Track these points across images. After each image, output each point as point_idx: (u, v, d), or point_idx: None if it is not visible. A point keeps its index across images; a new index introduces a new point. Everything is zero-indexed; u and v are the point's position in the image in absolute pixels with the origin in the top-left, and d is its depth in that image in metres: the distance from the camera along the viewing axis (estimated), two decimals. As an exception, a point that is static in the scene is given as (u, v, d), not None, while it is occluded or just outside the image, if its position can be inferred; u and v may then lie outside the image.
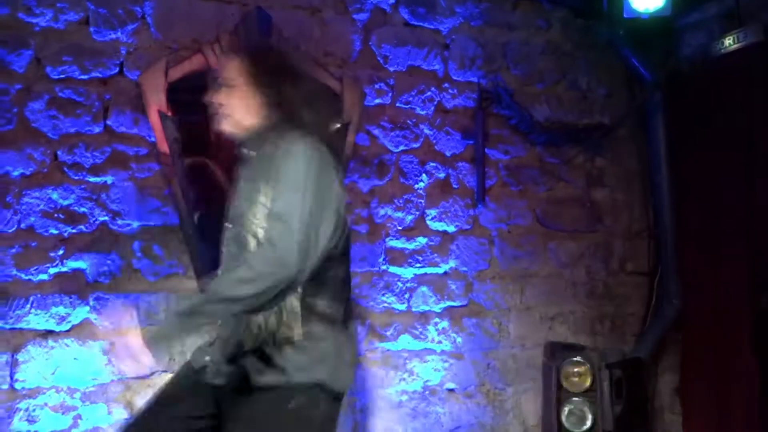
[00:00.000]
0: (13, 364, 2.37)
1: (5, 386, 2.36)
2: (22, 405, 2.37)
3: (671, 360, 3.27)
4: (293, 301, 1.61)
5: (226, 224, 1.76)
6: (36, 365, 2.40)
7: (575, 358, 2.89)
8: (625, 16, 2.97)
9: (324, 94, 1.78)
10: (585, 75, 3.27)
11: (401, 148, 2.97)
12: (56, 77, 2.48)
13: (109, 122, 2.54)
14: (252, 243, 1.61)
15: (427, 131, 3.00)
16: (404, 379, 2.92)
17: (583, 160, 3.25)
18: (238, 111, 1.72)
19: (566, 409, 2.87)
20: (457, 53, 3.06)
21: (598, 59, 3.27)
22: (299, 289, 1.61)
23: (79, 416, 2.44)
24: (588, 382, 2.87)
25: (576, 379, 2.87)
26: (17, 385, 2.37)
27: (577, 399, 2.87)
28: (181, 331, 1.58)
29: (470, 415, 2.99)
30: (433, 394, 2.94)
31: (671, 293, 3.19)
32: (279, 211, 1.55)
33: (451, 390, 2.98)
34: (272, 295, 1.54)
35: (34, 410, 2.38)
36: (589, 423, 2.84)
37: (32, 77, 2.45)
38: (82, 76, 2.51)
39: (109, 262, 2.50)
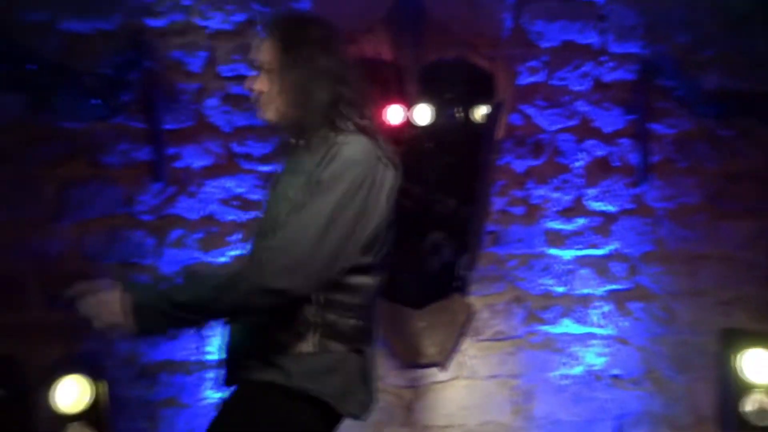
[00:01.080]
0: (201, 338, 2.61)
1: (195, 358, 2.61)
2: (210, 375, 2.60)
3: None
4: (308, 311, 1.44)
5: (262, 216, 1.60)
6: (220, 339, 2.62)
7: (758, 347, 2.66)
8: (810, -34, 2.67)
9: (363, 85, 1.58)
10: (761, 38, 2.98)
11: (557, 126, 2.88)
12: (227, 75, 2.68)
13: (275, 114, 2.71)
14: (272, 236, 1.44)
15: (583, 108, 2.89)
16: (566, 364, 2.85)
17: (762, 132, 2.97)
18: (277, 98, 1.53)
19: (748, 402, 2.65)
20: (615, 24, 2.90)
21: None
22: (319, 299, 1.44)
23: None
24: (773, 373, 2.64)
25: (759, 369, 2.64)
26: (205, 357, 2.61)
27: (760, 391, 2.65)
28: (170, 322, 1.40)
29: (637, 402, 2.86)
30: (597, 380, 2.85)
31: None
32: (307, 213, 1.39)
33: (615, 376, 2.86)
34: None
35: (219, 380, 2.62)
36: (776, 418, 2.61)
37: (207, 76, 2.67)
38: (250, 73, 2.68)
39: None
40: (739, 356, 2.68)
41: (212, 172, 2.65)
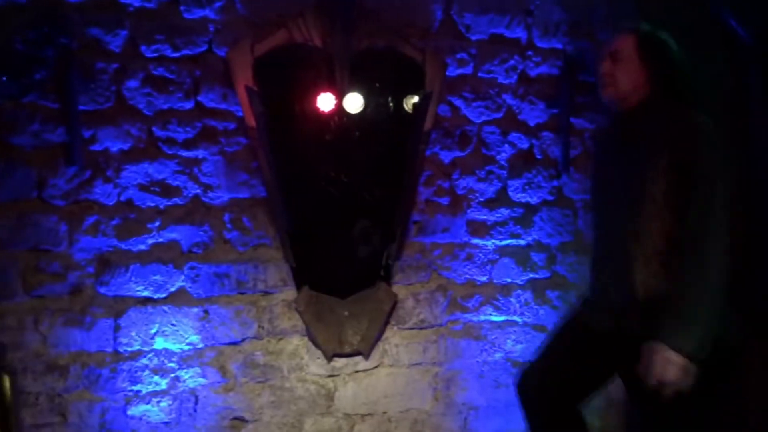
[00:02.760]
0: (116, 329, 2.53)
1: (109, 349, 2.52)
2: (125, 367, 2.53)
3: None
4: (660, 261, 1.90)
5: (601, 193, 2.14)
6: (137, 330, 2.55)
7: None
8: (723, -30, 2.79)
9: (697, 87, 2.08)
10: (677, 39, 3.10)
11: (483, 118, 2.93)
12: (150, 56, 2.57)
13: (199, 98, 2.63)
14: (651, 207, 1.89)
15: (509, 101, 2.95)
16: (486, 351, 2.93)
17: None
18: (622, 82, 2.02)
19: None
20: (541, 19, 2.97)
21: (691, 22, 3.09)
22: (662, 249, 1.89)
23: (177, 378, 2.58)
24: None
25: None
26: (120, 348, 2.53)
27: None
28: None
29: (553, 387, 2.96)
30: (515, 366, 2.94)
31: None
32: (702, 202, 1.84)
33: (533, 362, 2.96)
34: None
35: (135, 372, 2.54)
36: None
37: (128, 56, 2.54)
38: (174, 54, 2.59)
39: (201, 233, 2.61)
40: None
41: (131, 156, 2.54)
